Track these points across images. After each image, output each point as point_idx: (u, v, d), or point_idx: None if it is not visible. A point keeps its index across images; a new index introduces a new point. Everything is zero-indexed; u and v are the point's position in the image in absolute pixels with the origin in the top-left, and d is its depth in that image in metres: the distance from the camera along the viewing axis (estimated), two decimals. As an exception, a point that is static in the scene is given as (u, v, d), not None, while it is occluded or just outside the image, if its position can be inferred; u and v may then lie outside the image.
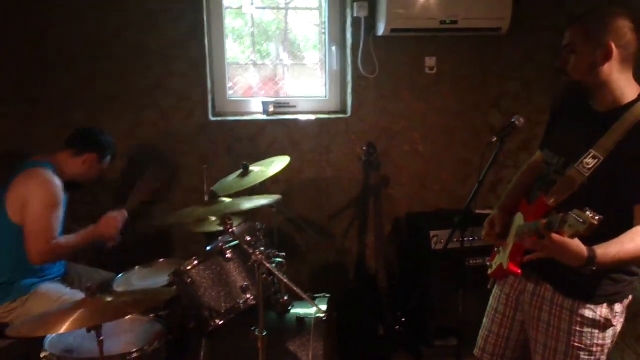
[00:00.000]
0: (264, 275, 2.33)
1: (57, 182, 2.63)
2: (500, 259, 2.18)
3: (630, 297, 1.98)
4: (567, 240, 1.62)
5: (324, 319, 2.45)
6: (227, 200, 2.49)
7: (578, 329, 1.93)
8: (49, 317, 1.85)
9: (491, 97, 3.65)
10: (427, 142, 3.67)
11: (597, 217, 1.52)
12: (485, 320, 2.28)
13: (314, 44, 3.75)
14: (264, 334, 2.13)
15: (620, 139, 1.79)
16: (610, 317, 1.92)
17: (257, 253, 2.05)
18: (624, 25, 1.83)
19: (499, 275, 2.22)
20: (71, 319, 1.76)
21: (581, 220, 1.54)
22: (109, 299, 1.92)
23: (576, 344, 1.94)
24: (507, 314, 2.19)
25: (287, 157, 2.89)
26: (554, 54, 3.45)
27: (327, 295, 2.70)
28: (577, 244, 1.64)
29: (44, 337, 2.14)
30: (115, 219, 2.77)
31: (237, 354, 2.42)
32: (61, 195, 2.62)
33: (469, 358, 2.50)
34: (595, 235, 1.61)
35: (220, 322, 2.35)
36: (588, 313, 1.91)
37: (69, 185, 2.74)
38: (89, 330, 1.86)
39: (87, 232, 2.72)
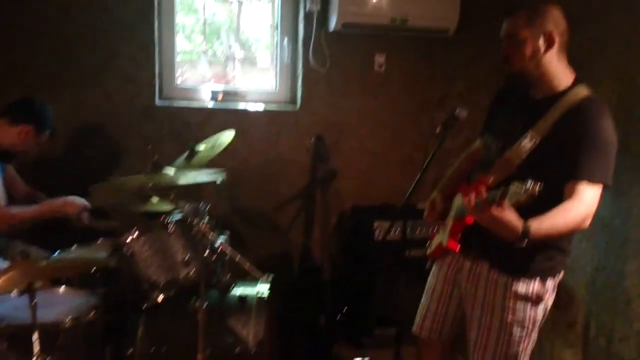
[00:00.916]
0: (207, 253, 2.33)
1: None
2: (440, 238, 2.25)
3: (561, 273, 2.07)
4: (504, 214, 1.70)
5: (266, 297, 2.45)
6: (171, 171, 2.45)
7: (511, 304, 2.01)
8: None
9: (437, 96, 3.75)
10: (375, 138, 3.74)
11: (537, 184, 1.61)
12: (423, 298, 2.35)
13: (266, 45, 3.78)
14: (205, 305, 2.11)
15: (554, 122, 1.91)
16: (541, 292, 2.00)
17: (201, 224, 2.04)
18: (559, 14, 1.97)
19: (438, 255, 2.29)
20: (2, 279, 1.70)
21: (522, 190, 1.63)
22: (44, 263, 1.87)
23: (509, 319, 2.01)
24: (445, 291, 2.26)
25: (231, 130, 2.87)
26: (499, 56, 3.64)
27: (271, 275, 2.70)
28: (513, 218, 1.72)
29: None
30: (77, 204, 2.72)
31: (175, 331, 2.39)
32: None
33: (408, 346, 2.56)
34: (529, 211, 1.71)
35: (160, 298, 2.32)
36: (521, 288, 2.00)
37: (3, 155, 2.66)
38: (21, 293, 1.80)
39: (47, 204, 2.68)
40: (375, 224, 3.44)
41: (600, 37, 2.86)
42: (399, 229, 3.25)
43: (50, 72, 3.16)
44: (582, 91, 1.96)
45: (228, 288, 2.53)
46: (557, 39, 1.94)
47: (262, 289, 2.62)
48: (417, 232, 3.41)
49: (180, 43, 3.56)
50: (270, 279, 2.70)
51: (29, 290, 1.76)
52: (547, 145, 1.91)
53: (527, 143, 1.93)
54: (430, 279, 2.35)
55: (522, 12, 1.96)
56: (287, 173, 3.64)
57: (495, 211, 1.69)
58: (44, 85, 3.14)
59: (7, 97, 2.96)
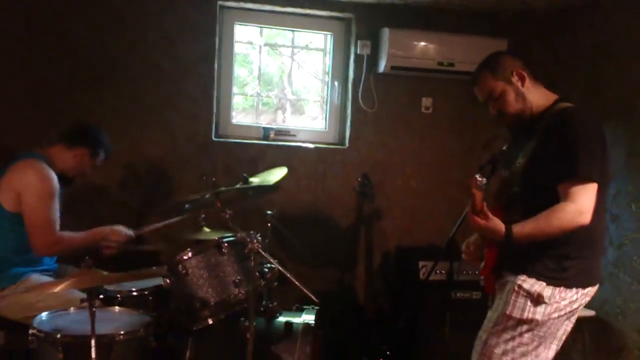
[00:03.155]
0: (256, 280, 2.39)
1: (51, 173, 2.64)
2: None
3: (584, 292, 2.07)
4: (486, 222, 1.97)
5: (312, 324, 2.47)
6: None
7: (513, 298, 2.06)
8: (47, 283, 1.88)
9: (483, 139, 3.79)
10: (420, 178, 3.79)
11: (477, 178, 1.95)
12: None
13: (317, 92, 3.93)
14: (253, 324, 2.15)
15: (539, 134, 2.07)
16: (544, 294, 2.03)
17: (254, 241, 2.11)
18: (509, 56, 2.23)
19: (487, 288, 2.30)
20: (68, 282, 1.79)
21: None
22: (105, 272, 1.96)
23: (507, 312, 2.07)
24: None
25: (284, 167, 2.97)
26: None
27: (316, 307, 2.72)
28: (494, 223, 1.98)
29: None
30: (122, 234, 2.81)
31: (222, 355, 2.42)
32: (56, 186, 2.63)
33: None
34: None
35: (210, 320, 2.37)
36: (525, 284, 2.05)
37: (60, 180, 2.74)
38: (82, 301, 1.89)
39: (95, 231, 2.76)
40: (421, 264, 3.43)
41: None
42: (444, 270, 3.23)
43: (116, 108, 3.37)
44: (564, 104, 2.11)
45: (274, 315, 2.56)
46: (523, 72, 2.14)
47: (308, 318, 2.64)
48: (464, 273, 3.37)
49: (235, 90, 3.75)
50: (315, 310, 2.73)
51: (89, 297, 1.83)
52: (535, 156, 2.06)
53: (520, 160, 2.11)
54: None
55: (484, 73, 2.19)
56: (333, 210, 3.70)
57: (479, 220, 1.98)
58: (110, 120, 3.33)
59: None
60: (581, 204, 1.94)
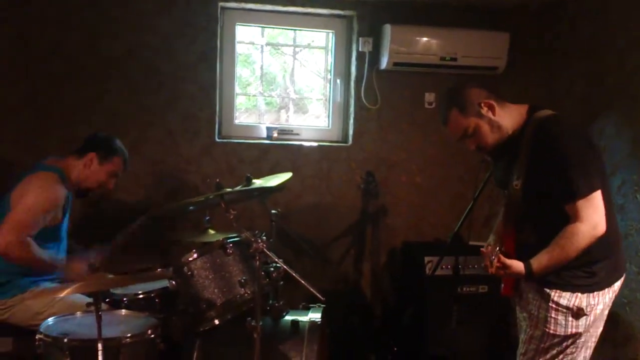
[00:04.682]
0: (262, 280, 2.39)
1: (61, 190, 2.62)
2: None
3: (614, 286, 2.09)
4: (508, 270, 2.01)
5: (319, 322, 2.47)
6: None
7: (553, 315, 2.06)
8: (53, 287, 1.89)
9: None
10: (425, 174, 3.78)
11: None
12: None
13: (320, 91, 3.92)
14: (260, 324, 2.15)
15: (527, 154, 2.05)
16: (583, 306, 2.03)
17: (259, 241, 2.11)
18: (473, 87, 2.20)
19: (507, 294, 2.30)
20: (74, 287, 1.80)
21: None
22: (111, 275, 1.97)
23: (551, 332, 2.07)
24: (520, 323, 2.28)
25: (289, 173, 2.98)
26: (546, 92, 3.65)
27: (322, 306, 2.72)
28: (515, 267, 2.01)
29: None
30: (80, 267, 2.62)
31: (230, 354, 2.43)
32: (58, 203, 2.60)
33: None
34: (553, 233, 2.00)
35: (216, 321, 2.38)
36: (562, 300, 2.05)
37: (77, 193, 2.77)
38: (88, 305, 1.90)
39: (56, 262, 2.63)
40: (427, 260, 3.42)
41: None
42: (450, 265, 3.23)
43: (117, 112, 3.37)
44: (540, 114, 2.09)
45: (281, 314, 2.57)
46: (491, 101, 2.11)
47: (314, 316, 2.65)
48: (470, 267, 3.37)
49: (237, 90, 3.75)
50: (321, 308, 2.74)
51: (96, 300, 1.85)
52: (530, 177, 2.05)
53: (516, 182, 2.08)
54: None
55: (453, 112, 2.16)
56: (338, 208, 3.70)
57: (503, 270, 2.01)
58: (110, 124, 3.33)
59: (75, 135, 3.16)
60: (592, 219, 1.95)
